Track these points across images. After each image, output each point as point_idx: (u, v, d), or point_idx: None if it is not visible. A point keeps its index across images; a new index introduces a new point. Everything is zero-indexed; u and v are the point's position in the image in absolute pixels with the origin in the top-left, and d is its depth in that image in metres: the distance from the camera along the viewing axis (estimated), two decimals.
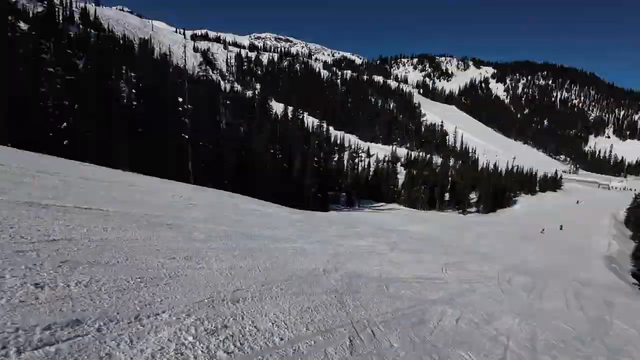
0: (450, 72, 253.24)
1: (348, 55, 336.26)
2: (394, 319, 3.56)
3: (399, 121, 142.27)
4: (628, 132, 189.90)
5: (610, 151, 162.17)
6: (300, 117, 64.94)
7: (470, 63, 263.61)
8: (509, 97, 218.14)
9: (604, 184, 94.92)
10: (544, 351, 4.02)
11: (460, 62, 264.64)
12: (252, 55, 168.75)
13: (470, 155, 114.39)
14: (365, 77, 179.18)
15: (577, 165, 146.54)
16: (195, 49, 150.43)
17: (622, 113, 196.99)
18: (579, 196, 65.77)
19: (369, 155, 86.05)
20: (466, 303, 5.23)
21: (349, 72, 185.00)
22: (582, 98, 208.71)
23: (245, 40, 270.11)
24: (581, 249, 23.49)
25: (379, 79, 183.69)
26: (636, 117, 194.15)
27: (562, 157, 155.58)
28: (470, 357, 3.19)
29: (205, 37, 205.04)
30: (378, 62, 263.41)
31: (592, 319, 6.55)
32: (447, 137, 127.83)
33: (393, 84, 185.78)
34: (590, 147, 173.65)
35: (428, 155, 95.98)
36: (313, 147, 37.33)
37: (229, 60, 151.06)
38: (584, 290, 9.97)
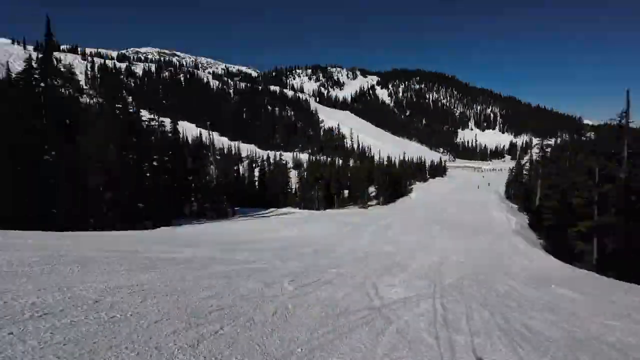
0: (341, 81, 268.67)
1: (243, 68, 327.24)
2: None
3: (298, 128, 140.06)
4: (485, 124, 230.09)
5: (475, 140, 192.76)
6: (173, 127, 53.88)
7: (358, 73, 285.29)
8: (392, 101, 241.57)
9: (478, 167, 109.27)
10: None
11: (349, 72, 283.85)
12: (122, 65, 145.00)
13: (367, 155, 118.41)
14: (260, 87, 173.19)
15: (454, 155, 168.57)
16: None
17: (479, 108, 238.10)
18: (461, 179, 70.58)
19: (269, 164, 79.19)
20: None
21: (244, 83, 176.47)
22: (449, 98, 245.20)
23: (115, 53, 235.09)
24: (491, 227, 20.40)
25: (275, 88, 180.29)
26: (489, 110, 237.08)
27: (441, 149, 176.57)
28: None
29: (56, 49, 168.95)
30: (274, 73, 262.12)
31: None
32: (345, 140, 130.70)
33: (290, 93, 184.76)
34: (460, 139, 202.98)
35: (329, 158, 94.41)
36: (180, 155, 28.33)
37: (88, 72, 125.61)
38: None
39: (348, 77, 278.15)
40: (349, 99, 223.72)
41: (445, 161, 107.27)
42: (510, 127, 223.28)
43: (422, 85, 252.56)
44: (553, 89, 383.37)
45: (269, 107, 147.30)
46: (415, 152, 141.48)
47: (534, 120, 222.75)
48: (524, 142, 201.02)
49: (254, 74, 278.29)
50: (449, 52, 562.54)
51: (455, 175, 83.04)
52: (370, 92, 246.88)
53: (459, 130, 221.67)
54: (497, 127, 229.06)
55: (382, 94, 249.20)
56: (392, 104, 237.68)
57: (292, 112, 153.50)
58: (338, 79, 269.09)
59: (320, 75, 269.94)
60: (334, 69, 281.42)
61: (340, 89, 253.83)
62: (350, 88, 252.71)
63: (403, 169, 61.08)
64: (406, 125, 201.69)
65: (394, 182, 46.48)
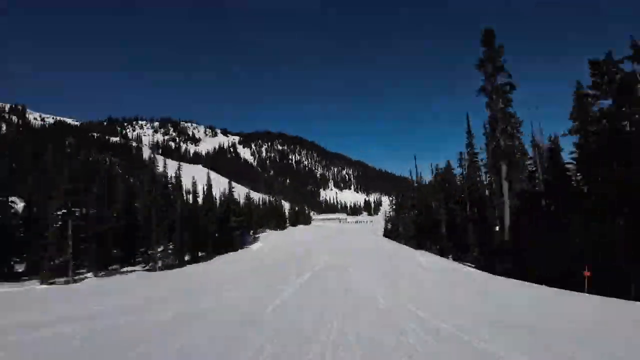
0: (197, 137, 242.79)
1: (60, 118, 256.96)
2: None
3: (126, 178, 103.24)
4: (342, 185, 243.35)
5: (336, 198, 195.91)
6: None
7: (219, 131, 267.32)
8: (255, 160, 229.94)
9: (342, 219, 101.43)
10: None
11: (208, 130, 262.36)
12: None
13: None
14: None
15: (317, 212, 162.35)
16: None
17: (336, 170, 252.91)
18: (331, 227, 55.79)
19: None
20: None
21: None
22: (310, 160, 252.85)
23: None
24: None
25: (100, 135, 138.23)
26: (344, 172, 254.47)
27: (306, 207, 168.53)
28: None
29: None
30: (105, 123, 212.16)
31: None
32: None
33: (122, 141, 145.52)
34: (322, 197, 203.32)
35: None
36: None
37: None
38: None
39: (206, 134, 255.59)
40: (204, 153, 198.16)
41: (312, 213, 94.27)
42: (363, 187, 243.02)
43: (285, 147, 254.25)
44: (391, 155, 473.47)
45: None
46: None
47: (380, 181, 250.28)
48: (376, 199, 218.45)
49: (73, 122, 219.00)
50: (305, 118, 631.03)
51: (323, 224, 68.75)
52: (232, 149, 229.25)
53: (321, 190, 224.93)
54: (352, 187, 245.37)
55: (245, 152, 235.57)
56: (255, 163, 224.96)
57: (122, 162, 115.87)
58: (193, 134, 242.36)
59: (171, 129, 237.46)
60: (189, 124, 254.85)
61: (196, 145, 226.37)
62: (208, 144, 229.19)
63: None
64: (270, 183, 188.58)
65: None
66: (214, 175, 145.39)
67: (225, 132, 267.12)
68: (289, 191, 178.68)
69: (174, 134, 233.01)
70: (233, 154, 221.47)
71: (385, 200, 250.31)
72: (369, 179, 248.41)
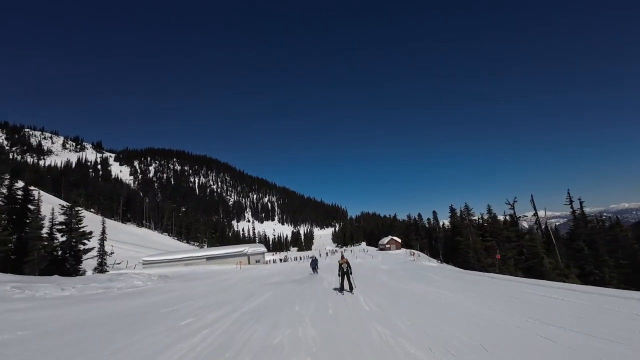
0: (48, 148, 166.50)
1: None
2: None
3: None
4: (263, 214, 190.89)
5: (253, 230, 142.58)
6: None
7: (88, 145, 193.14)
8: (137, 181, 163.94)
9: (250, 254, 51.40)
10: None
11: (70, 142, 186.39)
12: None
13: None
14: None
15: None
16: None
17: (255, 197, 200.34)
18: None
19: None
20: None
21: None
22: (220, 184, 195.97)
23: None
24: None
25: None
26: (265, 199, 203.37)
27: (197, 243, 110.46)
28: None
29: None
30: None
31: None
32: None
33: None
34: (236, 229, 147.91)
35: None
36: None
37: None
38: None
39: (66, 147, 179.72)
40: (52, 165, 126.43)
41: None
42: (289, 217, 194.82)
43: (187, 168, 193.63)
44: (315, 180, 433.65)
45: None
46: (152, 242, 70.60)
47: (309, 210, 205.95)
48: (306, 230, 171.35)
49: None
50: (217, 137, 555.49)
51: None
52: (99, 166, 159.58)
53: (234, 222, 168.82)
54: (275, 217, 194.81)
55: (121, 171, 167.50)
56: (134, 184, 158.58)
57: None
58: (40, 144, 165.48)
59: (5, 135, 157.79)
60: (37, 132, 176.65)
61: (40, 157, 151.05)
62: (63, 158, 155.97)
63: None
64: (152, 208, 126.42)
65: None
66: (47, 196, 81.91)
67: (98, 147, 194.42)
68: (184, 222, 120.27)
69: (4, 141, 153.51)
70: (100, 171, 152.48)
71: (320, 232, 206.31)
72: (297, 208, 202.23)
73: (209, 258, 45.12)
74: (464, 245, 38.09)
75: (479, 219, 46.02)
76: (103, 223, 32.82)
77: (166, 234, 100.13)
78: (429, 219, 75.74)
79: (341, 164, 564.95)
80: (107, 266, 31.16)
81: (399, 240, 76.74)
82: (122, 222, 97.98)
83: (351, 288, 11.32)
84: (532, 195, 34.01)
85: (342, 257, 12.19)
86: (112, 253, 38.56)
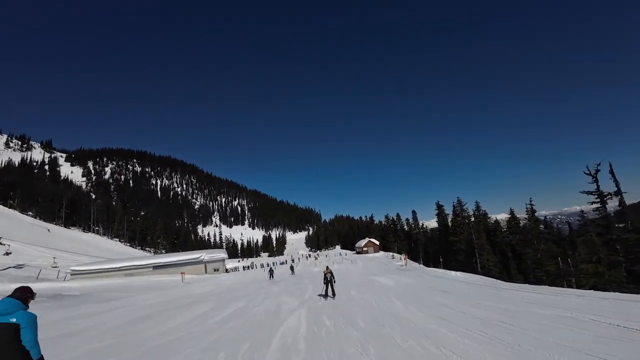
0: None
1: None
2: None
3: None
4: (232, 219, 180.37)
5: (220, 235, 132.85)
6: None
7: (36, 144, 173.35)
8: (90, 182, 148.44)
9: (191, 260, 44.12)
10: None
11: (14, 140, 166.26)
12: None
13: None
14: None
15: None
16: None
17: (224, 200, 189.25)
18: None
19: None
20: None
21: None
22: (185, 186, 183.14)
23: None
24: None
25: None
26: (235, 203, 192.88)
27: (151, 249, 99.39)
28: None
29: None
30: None
31: None
32: None
33: None
34: (202, 234, 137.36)
35: None
36: None
37: None
38: None
39: (9, 146, 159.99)
40: None
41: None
42: (261, 221, 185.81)
43: (149, 169, 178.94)
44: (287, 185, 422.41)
45: None
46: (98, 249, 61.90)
47: (281, 213, 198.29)
48: (279, 235, 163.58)
49: None
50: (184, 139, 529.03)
51: None
52: (47, 167, 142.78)
53: (199, 227, 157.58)
54: (246, 222, 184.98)
55: (73, 172, 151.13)
56: (86, 186, 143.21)
57: None
58: None
59: None
60: None
61: None
62: (4, 157, 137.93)
63: None
64: (102, 211, 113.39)
65: None
66: None
67: (48, 147, 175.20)
68: (141, 227, 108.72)
69: None
70: (48, 172, 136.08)
71: (293, 237, 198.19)
72: (269, 212, 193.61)
73: (157, 267, 37.28)
74: (463, 245, 33.42)
75: (472, 215, 41.65)
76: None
77: (117, 239, 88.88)
78: (407, 220, 71.60)
79: (316, 166, 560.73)
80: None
81: (377, 243, 71.84)
82: (65, 227, 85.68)
83: (334, 295, 12.56)
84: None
85: (327, 268, 13.50)
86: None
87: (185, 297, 16.46)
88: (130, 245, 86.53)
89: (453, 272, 21.65)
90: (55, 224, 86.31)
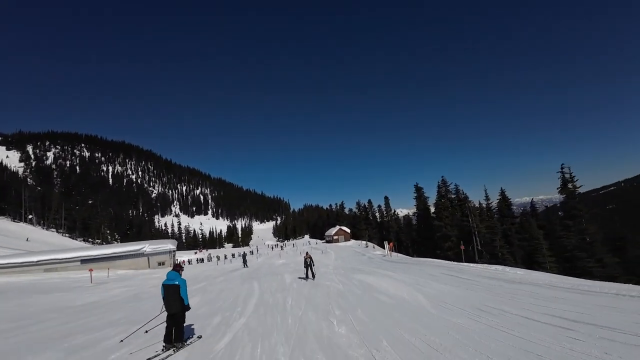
0: None
1: None
2: None
3: None
4: (194, 208, 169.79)
5: (179, 224, 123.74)
6: None
7: None
8: (29, 169, 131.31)
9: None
10: None
11: None
12: None
13: None
14: None
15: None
16: None
17: (184, 189, 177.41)
18: None
19: None
20: None
21: None
22: (141, 174, 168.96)
23: None
24: None
25: None
26: (197, 192, 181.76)
27: (90, 240, 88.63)
28: None
29: None
30: None
31: None
32: None
33: None
34: (158, 225, 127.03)
35: None
36: None
37: None
38: None
39: None
40: None
41: None
42: (225, 211, 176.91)
43: (99, 155, 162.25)
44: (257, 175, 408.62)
45: None
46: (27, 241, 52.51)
47: (248, 203, 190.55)
48: (245, 224, 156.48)
49: None
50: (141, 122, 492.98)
51: None
52: None
53: (157, 217, 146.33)
54: (209, 212, 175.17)
55: (9, 157, 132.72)
56: (23, 173, 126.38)
57: None
58: None
59: None
60: None
61: None
62: None
63: None
64: (36, 199, 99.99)
65: None
66: None
67: None
68: (85, 216, 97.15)
69: None
70: None
71: (260, 227, 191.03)
72: (234, 201, 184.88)
73: (86, 260, 30.60)
74: (453, 230, 30.22)
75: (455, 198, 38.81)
76: None
77: (54, 230, 78.10)
78: (379, 206, 68.81)
79: (285, 154, 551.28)
80: None
81: (348, 231, 68.53)
82: None
83: (314, 276, 14.45)
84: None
85: (307, 253, 15.69)
86: None
87: (53, 310, 10.94)
88: (70, 237, 76.20)
89: (520, 271, 15.18)
90: None
